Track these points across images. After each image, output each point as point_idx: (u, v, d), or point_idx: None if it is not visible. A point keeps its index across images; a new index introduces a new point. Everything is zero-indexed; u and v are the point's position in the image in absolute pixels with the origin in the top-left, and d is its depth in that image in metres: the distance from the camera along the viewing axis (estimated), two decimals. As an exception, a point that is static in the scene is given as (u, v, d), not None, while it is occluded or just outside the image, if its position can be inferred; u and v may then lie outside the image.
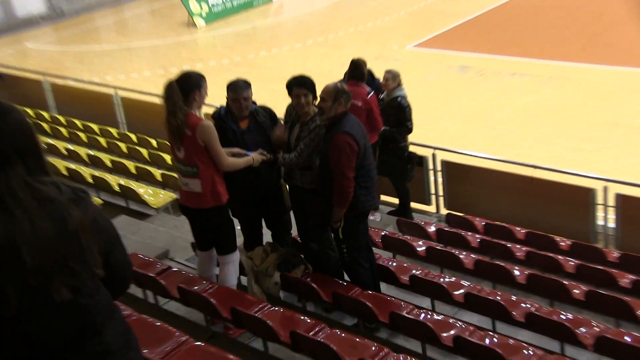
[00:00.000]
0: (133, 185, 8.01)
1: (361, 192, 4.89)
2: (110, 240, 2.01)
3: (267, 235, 5.79)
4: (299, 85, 5.07)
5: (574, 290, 5.29)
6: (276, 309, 4.61)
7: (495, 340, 4.33)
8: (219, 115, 5.25)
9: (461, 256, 5.97)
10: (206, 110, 10.06)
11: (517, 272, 5.67)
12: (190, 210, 4.86)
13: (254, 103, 5.33)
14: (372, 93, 7.07)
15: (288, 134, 5.29)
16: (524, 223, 7.24)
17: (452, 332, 4.41)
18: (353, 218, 5.00)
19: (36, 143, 1.90)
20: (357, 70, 7.14)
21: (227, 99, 5.23)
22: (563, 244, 6.55)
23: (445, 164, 8.16)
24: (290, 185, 5.37)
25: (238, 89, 5.12)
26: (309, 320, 4.43)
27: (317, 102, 5.01)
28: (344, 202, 4.85)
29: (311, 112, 5.12)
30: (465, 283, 5.40)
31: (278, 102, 5.55)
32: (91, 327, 1.93)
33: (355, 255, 5.15)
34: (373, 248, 6.46)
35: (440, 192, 8.34)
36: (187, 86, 4.58)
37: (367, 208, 5.04)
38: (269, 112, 5.40)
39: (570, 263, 5.94)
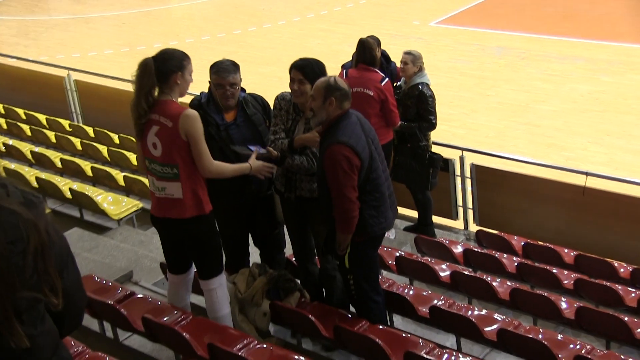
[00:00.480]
0: (89, 190, 8.07)
1: (370, 213, 4.87)
2: (63, 259, 2.03)
3: (254, 255, 5.84)
4: (297, 68, 5.09)
5: (638, 330, 5.32)
6: (265, 346, 4.65)
7: (535, 388, 4.37)
8: (198, 104, 5.26)
9: (494, 284, 6.01)
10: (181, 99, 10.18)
11: (564, 305, 5.70)
12: (165, 222, 4.86)
13: (243, 90, 5.37)
14: (386, 80, 7.13)
15: (291, 134, 5.25)
16: (574, 244, 7.27)
17: (481, 377, 4.46)
18: (362, 244, 5.02)
19: None
20: (367, 53, 7.20)
21: (209, 84, 5.27)
22: (623, 270, 6.59)
23: (477, 169, 8.21)
24: (292, 196, 5.33)
25: (223, 71, 5.15)
26: (304, 361, 4.48)
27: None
28: (347, 227, 4.83)
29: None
30: (499, 317, 5.43)
31: (270, 88, 5.61)
32: None
33: (365, 287, 5.14)
34: (384, 272, 6.55)
35: (470, 204, 8.38)
36: (167, 67, 4.58)
37: (378, 232, 5.05)
38: (260, 102, 5.44)
39: (632, 295, 5.97)
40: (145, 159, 4.78)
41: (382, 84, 7.06)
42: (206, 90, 5.35)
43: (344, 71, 7.39)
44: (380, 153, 5.01)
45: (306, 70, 5.06)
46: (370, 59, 7.15)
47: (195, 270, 5.15)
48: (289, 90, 5.22)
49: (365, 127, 4.93)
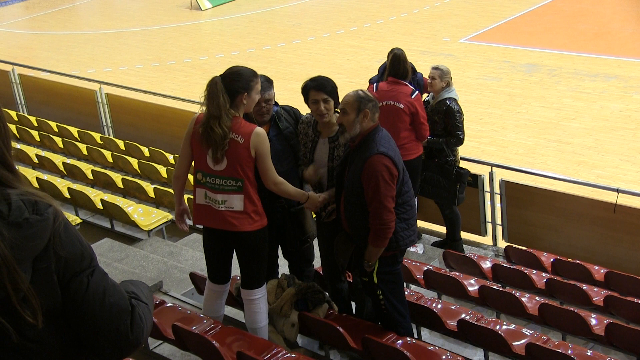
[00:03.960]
0: (119, 202, 8.20)
1: (401, 225, 4.92)
2: (75, 266, 2.01)
3: (283, 267, 5.91)
4: (318, 89, 5.09)
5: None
6: (294, 356, 4.71)
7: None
8: None
9: (523, 299, 6.02)
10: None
11: (593, 321, 5.70)
12: (223, 235, 4.97)
13: (276, 104, 5.46)
14: (416, 93, 7.19)
15: (310, 155, 5.33)
16: (604, 261, 7.26)
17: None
18: (391, 258, 5.06)
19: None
20: (401, 65, 7.24)
21: None
22: (653, 287, 6.57)
23: (506, 185, 8.22)
24: (323, 214, 5.38)
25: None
26: (332, 371, 4.53)
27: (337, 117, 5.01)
28: (383, 240, 4.85)
29: (334, 122, 5.16)
30: (527, 332, 5.45)
31: (298, 104, 5.67)
32: None
33: (394, 302, 5.18)
34: (412, 286, 6.59)
35: (499, 220, 8.39)
36: (234, 87, 4.73)
37: (408, 245, 5.11)
38: (293, 116, 5.52)
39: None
40: (197, 172, 4.90)
41: (413, 96, 7.12)
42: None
43: (374, 85, 7.45)
44: (406, 169, 5.07)
45: (327, 88, 5.11)
46: (404, 72, 7.21)
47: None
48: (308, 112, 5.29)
49: (393, 141, 5.00)
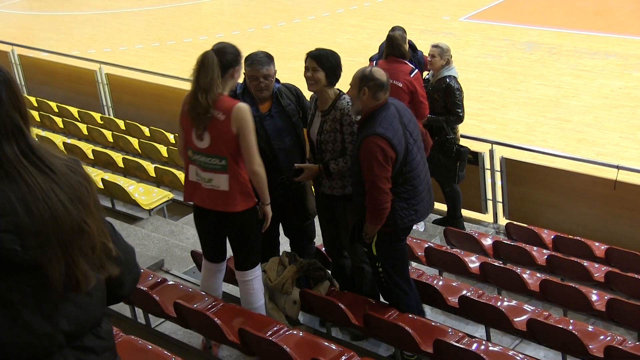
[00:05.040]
0: (120, 181, 8.17)
1: (400, 205, 4.91)
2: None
3: (284, 245, 5.90)
4: (312, 57, 5.13)
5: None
6: (295, 332, 4.70)
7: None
8: (234, 95, 5.29)
9: (524, 275, 6.01)
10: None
11: (594, 297, 5.69)
12: (212, 214, 4.90)
13: (277, 81, 5.41)
14: (415, 71, 7.13)
15: (308, 128, 5.37)
16: (604, 237, 7.24)
17: (511, 366, 4.46)
18: (388, 234, 5.05)
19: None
20: (396, 49, 7.17)
21: (244, 76, 5.32)
22: (654, 263, 6.56)
23: (507, 163, 8.20)
24: (318, 192, 5.44)
25: (257, 63, 5.18)
26: (334, 348, 4.52)
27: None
28: (377, 218, 4.87)
29: (329, 96, 5.17)
30: (528, 308, 5.45)
31: (299, 83, 5.64)
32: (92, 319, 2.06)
33: (393, 277, 5.17)
34: (414, 263, 6.57)
35: (499, 198, 8.37)
36: (227, 61, 4.68)
37: (407, 224, 5.08)
38: (294, 93, 5.47)
39: (663, 287, 5.95)
40: (187, 149, 4.84)
41: (412, 75, 7.07)
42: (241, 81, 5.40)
43: (373, 63, 7.40)
44: (420, 145, 5.05)
45: (321, 59, 5.10)
46: (399, 54, 7.16)
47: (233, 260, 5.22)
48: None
49: (404, 118, 4.95)
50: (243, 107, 4.66)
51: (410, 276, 5.35)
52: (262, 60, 5.17)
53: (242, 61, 4.78)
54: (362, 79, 4.83)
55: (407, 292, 5.24)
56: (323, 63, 5.08)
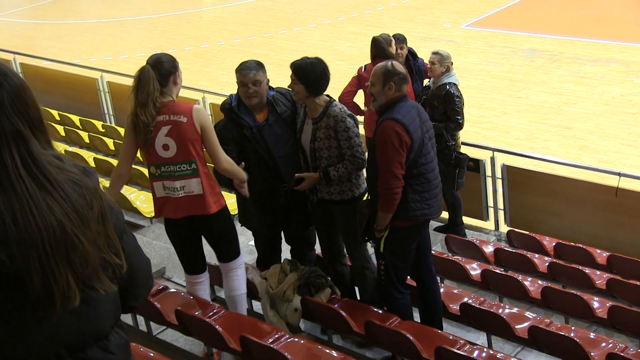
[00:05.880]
0: (121, 189, 8.14)
1: (413, 197, 4.96)
2: (120, 224, 2.09)
3: (285, 252, 5.90)
4: (292, 68, 5.15)
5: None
6: (297, 339, 4.70)
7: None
8: (229, 108, 5.32)
9: (526, 282, 6.00)
10: (214, 100, 10.26)
11: (596, 304, 5.68)
12: (187, 221, 4.89)
13: (271, 89, 5.41)
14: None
15: (298, 136, 5.35)
16: (606, 244, 7.24)
17: (513, 374, 4.46)
18: (403, 230, 5.08)
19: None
20: (373, 49, 7.45)
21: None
22: (655, 271, 6.55)
23: (508, 170, 8.20)
24: (314, 200, 5.42)
25: (245, 69, 5.18)
26: (335, 355, 4.51)
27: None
28: (388, 205, 4.92)
29: (317, 105, 5.17)
30: (530, 315, 5.44)
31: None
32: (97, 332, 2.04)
33: (392, 276, 5.20)
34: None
35: (500, 205, 8.37)
36: (165, 69, 4.70)
37: (419, 217, 5.08)
38: (289, 98, 5.44)
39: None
40: (151, 165, 4.82)
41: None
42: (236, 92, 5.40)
43: (363, 66, 7.58)
44: (434, 144, 5.14)
45: (299, 72, 5.11)
46: (385, 57, 7.17)
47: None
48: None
49: (422, 115, 5.06)
50: (201, 107, 4.85)
51: (405, 281, 5.36)
52: (250, 66, 5.18)
53: (178, 65, 4.80)
54: (387, 74, 4.93)
55: (403, 293, 5.29)
56: (300, 77, 5.10)
